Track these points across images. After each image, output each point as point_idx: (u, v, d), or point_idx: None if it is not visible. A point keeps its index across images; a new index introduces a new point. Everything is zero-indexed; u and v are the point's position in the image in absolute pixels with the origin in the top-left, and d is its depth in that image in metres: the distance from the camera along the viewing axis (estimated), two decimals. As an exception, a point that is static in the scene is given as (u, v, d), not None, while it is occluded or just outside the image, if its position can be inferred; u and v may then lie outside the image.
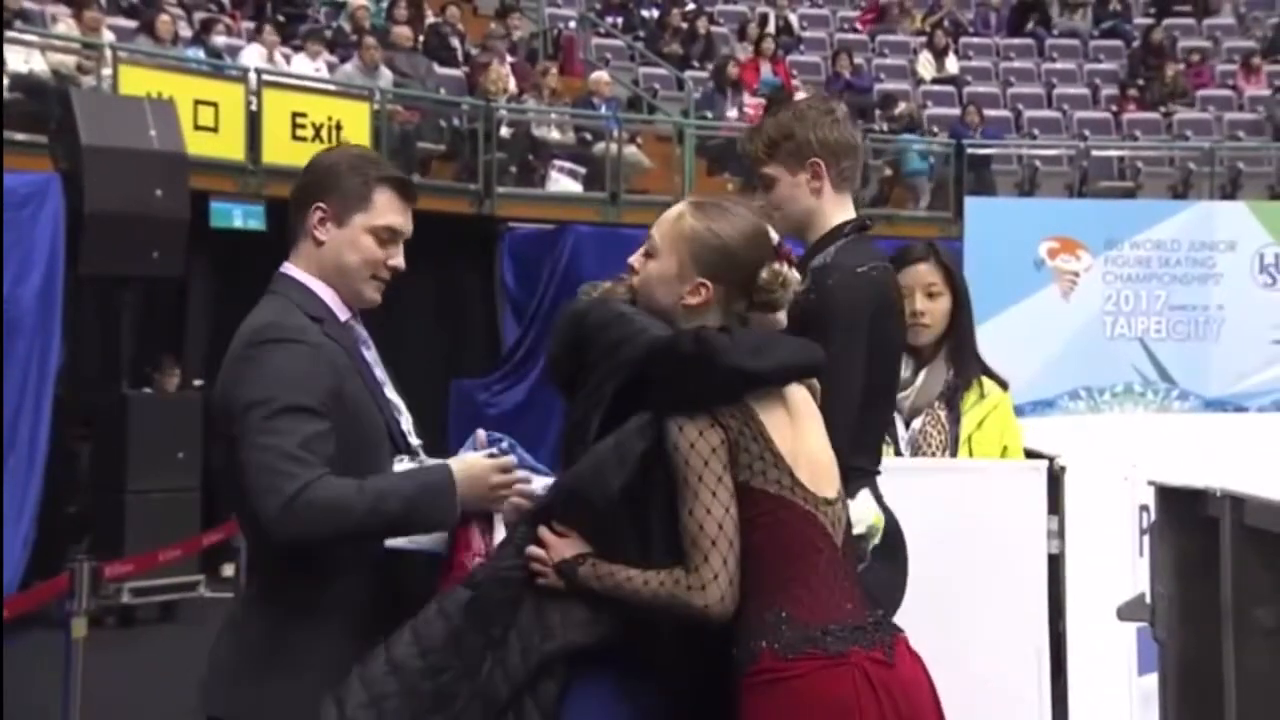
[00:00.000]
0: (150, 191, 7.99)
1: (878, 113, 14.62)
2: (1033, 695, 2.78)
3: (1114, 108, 15.44)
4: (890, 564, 2.57)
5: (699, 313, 2.31)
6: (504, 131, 12.00)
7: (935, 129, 14.48)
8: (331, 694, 2.20)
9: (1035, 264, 11.66)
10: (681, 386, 2.18)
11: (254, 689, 2.40)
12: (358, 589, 2.40)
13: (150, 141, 8.13)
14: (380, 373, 2.57)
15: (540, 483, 2.39)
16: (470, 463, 2.39)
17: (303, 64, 11.66)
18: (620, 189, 12.21)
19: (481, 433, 2.48)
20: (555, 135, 12.54)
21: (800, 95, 12.61)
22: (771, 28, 16.25)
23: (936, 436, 3.15)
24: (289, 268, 2.54)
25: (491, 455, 2.41)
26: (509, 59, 13.27)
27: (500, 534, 2.37)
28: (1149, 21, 17.04)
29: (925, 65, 16.00)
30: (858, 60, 15.79)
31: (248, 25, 12.36)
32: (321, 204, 2.52)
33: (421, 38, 13.23)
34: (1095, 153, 14.15)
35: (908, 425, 3.16)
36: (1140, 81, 15.68)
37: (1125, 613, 2.49)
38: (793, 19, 16.86)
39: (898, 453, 3.09)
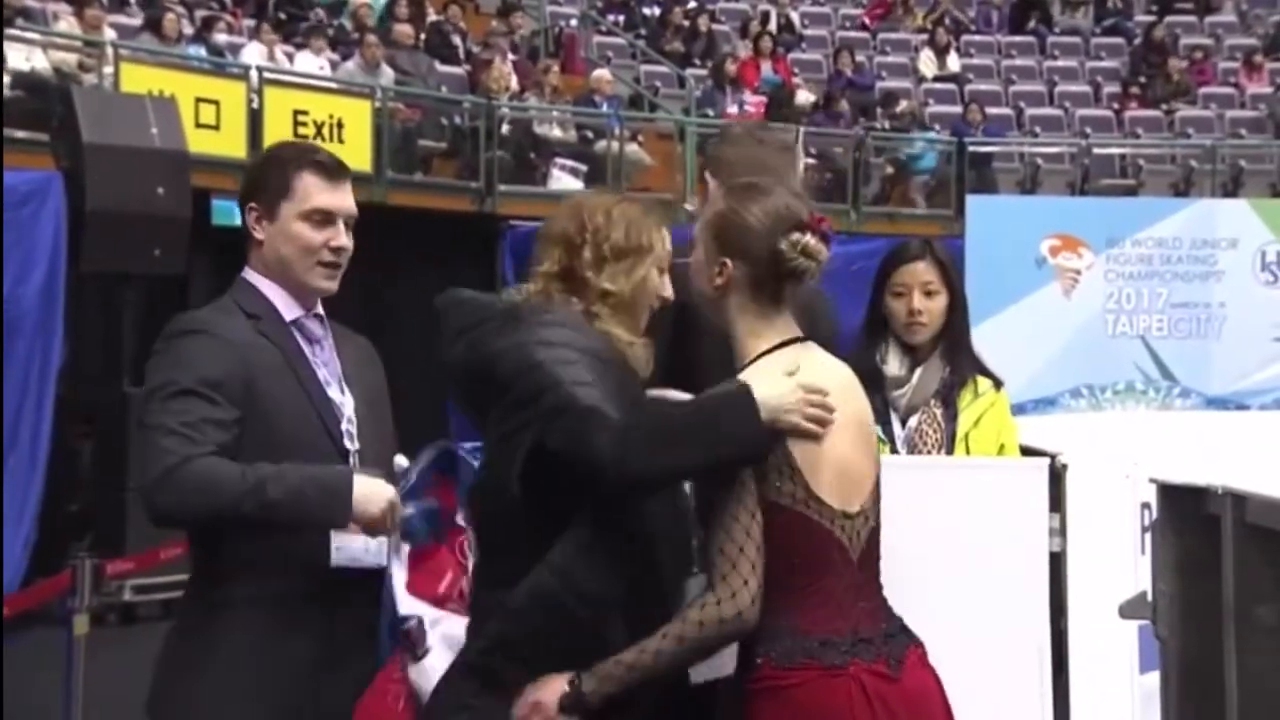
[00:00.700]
0: (152, 189, 7.99)
1: (879, 110, 14.62)
2: (1034, 693, 2.78)
3: (1116, 105, 15.44)
4: None
5: (727, 293, 2.29)
6: (505, 129, 12.01)
7: (937, 127, 14.48)
8: None
9: (1037, 262, 11.65)
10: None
11: (182, 687, 2.42)
12: (280, 584, 2.41)
13: (152, 139, 8.13)
14: (327, 372, 2.57)
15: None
16: (374, 484, 2.39)
17: (307, 61, 11.67)
18: (622, 187, 12.20)
19: (403, 460, 2.55)
20: (557, 133, 12.55)
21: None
22: (773, 25, 16.25)
23: (932, 434, 3.14)
24: (245, 270, 2.60)
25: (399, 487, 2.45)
26: (510, 57, 13.28)
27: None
28: (1150, 19, 17.04)
29: (927, 63, 15.99)
30: (859, 58, 15.79)
31: (249, 23, 12.36)
32: (252, 203, 2.57)
33: (423, 35, 13.24)
34: (1097, 150, 14.15)
35: (904, 423, 3.15)
36: (1142, 79, 15.68)
37: (1127, 611, 2.49)
38: (794, 16, 16.86)
39: (894, 451, 3.09)
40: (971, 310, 3.31)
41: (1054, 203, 12.93)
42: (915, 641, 2.25)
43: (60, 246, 7.95)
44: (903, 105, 14.52)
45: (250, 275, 2.59)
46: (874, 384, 2.92)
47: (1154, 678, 2.51)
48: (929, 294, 3.21)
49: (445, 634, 2.40)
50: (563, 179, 12.13)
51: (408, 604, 2.43)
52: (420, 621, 2.40)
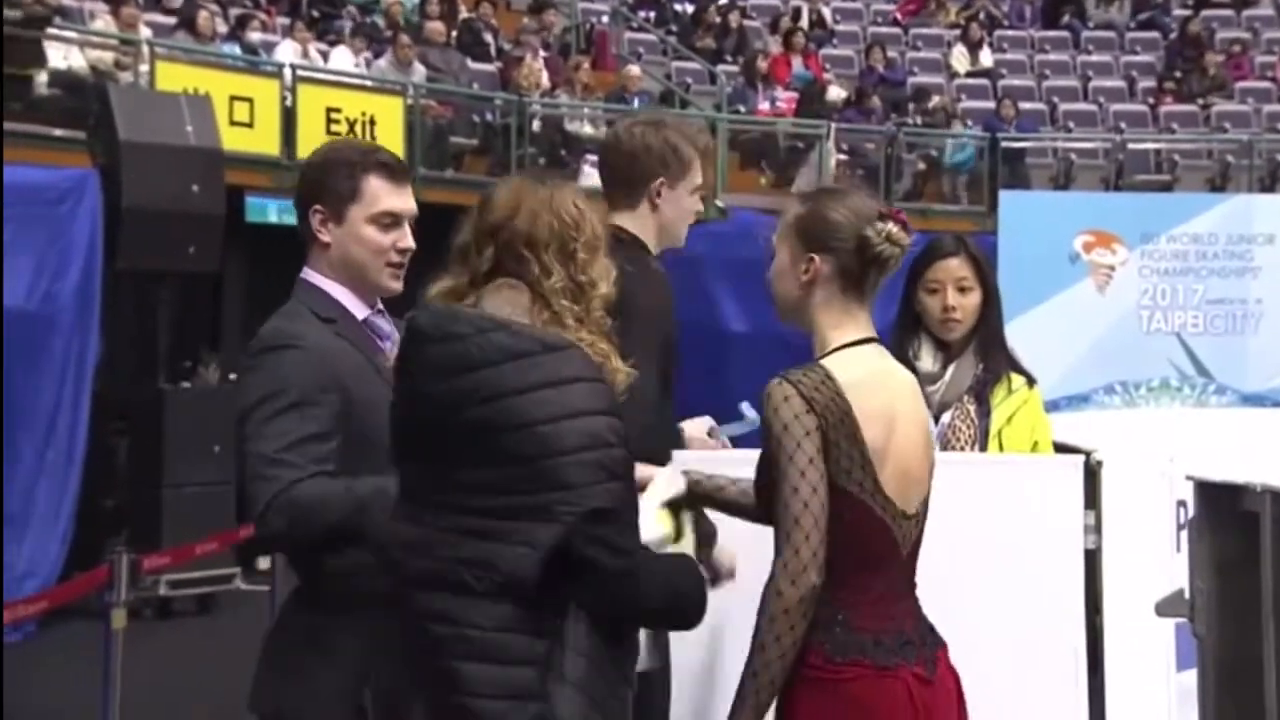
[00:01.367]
0: (187, 187, 8.04)
1: (911, 106, 14.55)
2: (1069, 691, 2.76)
3: (1151, 100, 15.31)
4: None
5: (812, 290, 2.31)
6: (536, 126, 12.03)
7: (969, 122, 14.41)
8: None
9: (1070, 258, 11.58)
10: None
11: (297, 685, 2.43)
12: (384, 583, 2.42)
13: (187, 137, 8.18)
14: None
15: None
16: None
17: (343, 57, 11.73)
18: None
19: None
20: (588, 130, 12.55)
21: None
22: (804, 21, 16.21)
23: (965, 431, 3.13)
24: (306, 272, 2.58)
25: None
26: (542, 54, 13.29)
27: None
28: (1187, 13, 16.88)
29: (959, 58, 15.91)
30: (891, 53, 15.72)
31: (283, 21, 12.43)
32: (318, 206, 2.55)
33: (455, 33, 13.28)
34: (1131, 146, 14.03)
35: (936, 420, 3.13)
36: (1177, 74, 15.54)
37: (1164, 608, 2.47)
38: (826, 12, 16.81)
39: (926, 447, 3.08)
40: (1004, 307, 3.30)
41: (1088, 198, 12.84)
42: (942, 643, 2.30)
43: (96, 244, 8.02)
44: (935, 101, 14.45)
45: (313, 277, 2.57)
46: (907, 381, 2.91)
47: (1191, 676, 2.50)
48: (963, 290, 3.20)
49: None
50: (593, 175, 12.07)
51: None
52: None
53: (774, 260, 2.38)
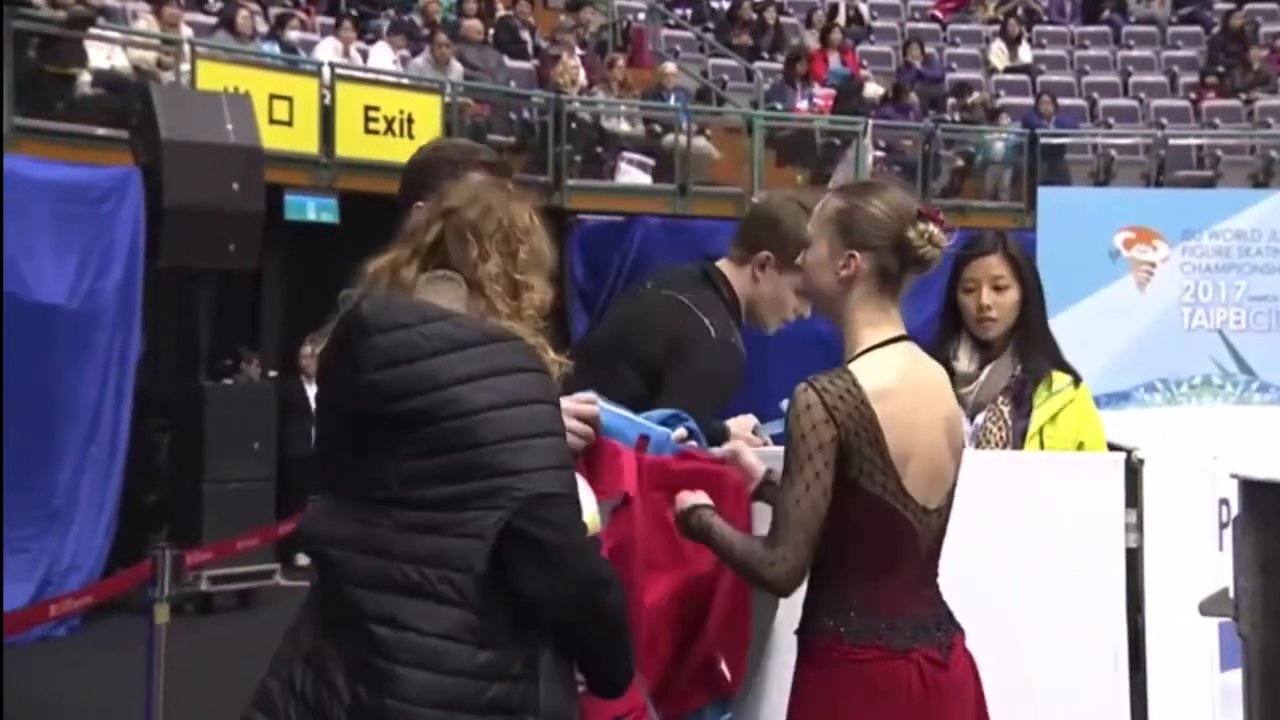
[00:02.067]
0: (227, 185, 8.11)
1: (950, 102, 14.48)
2: (1111, 691, 2.74)
3: (1192, 95, 15.16)
4: None
5: (851, 286, 2.32)
6: (573, 124, 12.05)
7: (1008, 118, 14.32)
8: None
9: (1110, 255, 11.49)
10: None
11: None
12: None
13: (227, 135, 8.25)
14: None
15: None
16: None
17: (382, 55, 11.79)
18: (689, 181, 12.20)
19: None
20: (625, 127, 12.57)
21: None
22: (841, 18, 16.15)
23: (997, 433, 3.09)
24: None
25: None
26: (578, 51, 13.31)
27: None
28: (1229, 7, 16.69)
29: (998, 54, 15.81)
30: (929, 50, 15.65)
31: (322, 20, 12.52)
32: (421, 203, 2.57)
33: (492, 31, 13.32)
34: (1173, 141, 13.90)
35: (971, 420, 3.11)
36: (1220, 68, 15.37)
37: (1207, 608, 2.45)
38: (863, 9, 16.76)
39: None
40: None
41: (1128, 194, 12.73)
42: (960, 630, 2.35)
43: (138, 242, 8.11)
44: (974, 97, 14.36)
45: None
46: (944, 381, 2.89)
47: (1235, 676, 2.47)
48: (999, 289, 3.15)
49: None
50: (631, 173, 12.14)
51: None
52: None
53: (810, 250, 2.39)
